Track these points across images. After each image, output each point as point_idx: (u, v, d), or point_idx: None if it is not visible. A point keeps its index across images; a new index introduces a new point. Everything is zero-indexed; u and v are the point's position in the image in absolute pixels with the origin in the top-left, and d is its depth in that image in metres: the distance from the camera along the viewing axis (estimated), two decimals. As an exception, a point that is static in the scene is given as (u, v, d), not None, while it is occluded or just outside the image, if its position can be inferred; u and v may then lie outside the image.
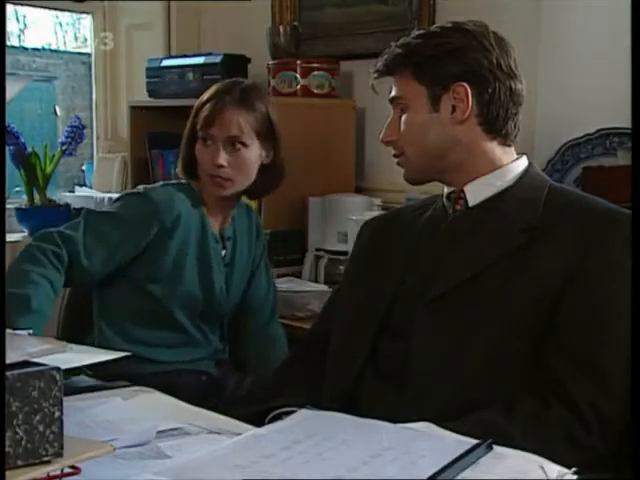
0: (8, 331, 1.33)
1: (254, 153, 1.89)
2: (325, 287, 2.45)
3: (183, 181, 1.97)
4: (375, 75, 1.42)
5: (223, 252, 1.96)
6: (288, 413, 1.31)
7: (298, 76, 2.72)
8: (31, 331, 1.38)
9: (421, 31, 1.41)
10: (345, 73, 2.82)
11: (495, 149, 1.37)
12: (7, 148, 2.76)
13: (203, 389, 1.86)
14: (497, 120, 1.36)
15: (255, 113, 1.87)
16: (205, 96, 1.91)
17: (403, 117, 1.38)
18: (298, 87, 2.73)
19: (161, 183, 2.00)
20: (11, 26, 3.39)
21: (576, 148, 2.30)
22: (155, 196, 1.87)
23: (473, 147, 1.36)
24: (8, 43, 3.39)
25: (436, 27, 1.40)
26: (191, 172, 1.93)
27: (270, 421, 1.33)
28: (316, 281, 2.58)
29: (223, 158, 1.85)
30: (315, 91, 2.74)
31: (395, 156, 1.42)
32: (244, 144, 1.86)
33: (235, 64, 2.85)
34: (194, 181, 1.94)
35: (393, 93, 1.40)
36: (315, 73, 2.73)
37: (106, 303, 1.92)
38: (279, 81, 2.75)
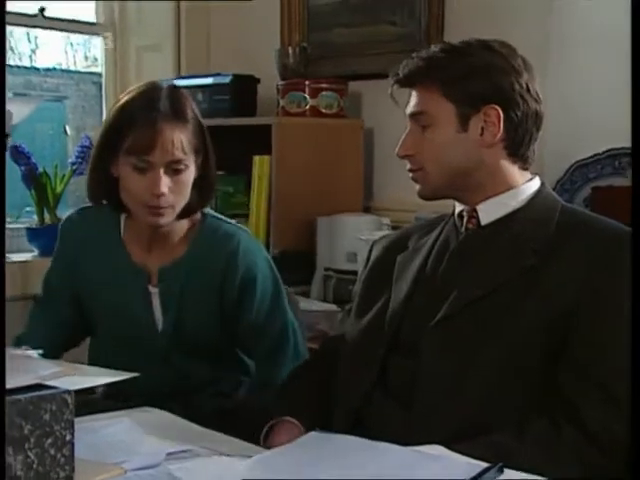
0: (18, 352, 1.34)
1: (192, 172, 1.64)
2: (334, 307, 2.45)
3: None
4: (395, 85, 1.40)
5: (155, 289, 1.71)
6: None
7: (307, 96, 2.74)
8: (41, 351, 1.38)
9: (445, 45, 1.38)
10: (354, 93, 2.83)
11: (514, 171, 1.37)
12: (18, 168, 2.78)
13: None
14: (522, 144, 1.36)
15: (189, 126, 1.61)
16: (125, 112, 1.61)
17: (426, 132, 1.36)
18: (307, 107, 2.74)
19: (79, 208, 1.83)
20: (23, 47, 3.43)
21: (585, 168, 2.30)
22: (61, 226, 1.79)
23: (495, 169, 1.36)
24: (20, 63, 3.42)
25: (461, 43, 1.38)
26: (112, 200, 1.68)
27: (267, 432, 1.34)
28: (325, 300, 2.58)
29: (165, 186, 1.59)
30: (324, 111, 2.75)
31: (411, 171, 1.40)
32: (186, 166, 1.61)
33: (244, 84, 2.86)
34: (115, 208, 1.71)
35: (415, 107, 1.37)
36: (324, 93, 2.74)
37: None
38: (288, 101, 2.76)
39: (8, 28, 3.35)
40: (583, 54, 2.34)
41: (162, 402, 1.57)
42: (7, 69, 3.04)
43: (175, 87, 1.70)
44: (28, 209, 2.96)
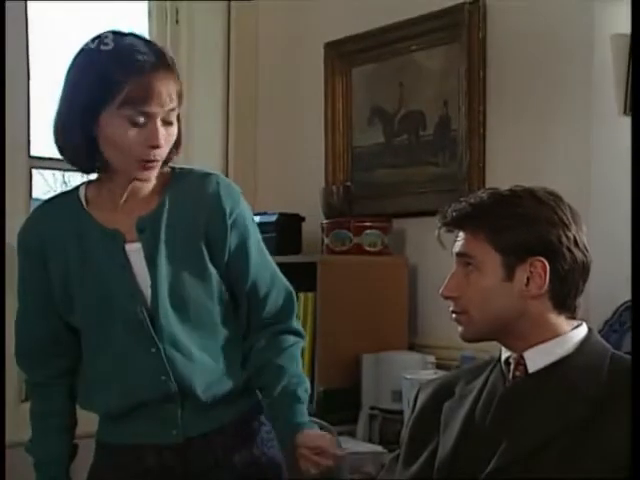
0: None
1: (176, 123, 1.56)
2: (380, 448, 2.40)
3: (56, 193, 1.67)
4: (443, 229, 1.41)
5: (133, 246, 1.55)
6: None
7: (351, 234, 2.78)
8: None
9: (493, 192, 1.39)
10: (397, 230, 2.87)
11: (560, 320, 1.37)
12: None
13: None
14: (568, 297, 1.36)
15: (176, 76, 1.53)
16: (111, 67, 1.48)
17: (471, 277, 1.36)
18: (351, 245, 2.77)
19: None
20: (75, 181, 3.56)
21: (634, 308, 2.28)
22: (17, 241, 1.63)
23: (540, 319, 1.35)
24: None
25: (509, 191, 1.38)
26: (89, 161, 1.56)
27: None
28: (370, 441, 2.53)
29: (163, 138, 1.51)
30: (368, 249, 2.78)
31: (455, 312, 1.39)
32: (176, 117, 1.54)
33: (289, 223, 2.92)
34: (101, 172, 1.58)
35: (461, 249, 1.38)
36: (367, 231, 2.78)
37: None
38: (332, 239, 2.80)
39: (67, 173, 3.50)
40: (624, 191, 2.36)
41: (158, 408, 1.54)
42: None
43: (148, 40, 1.58)
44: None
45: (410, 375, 2.40)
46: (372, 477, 2.24)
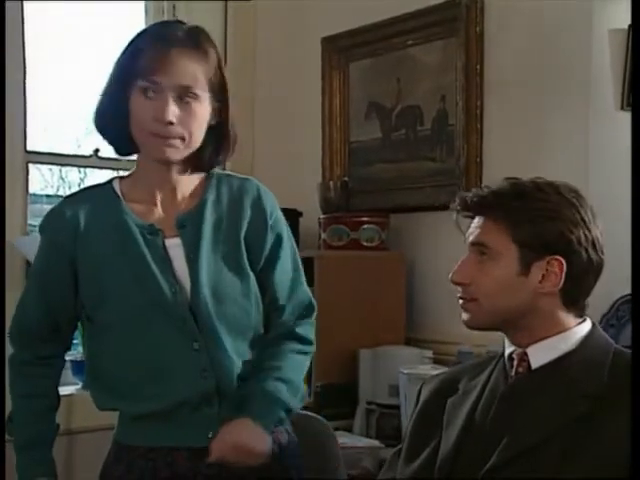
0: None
1: (206, 109, 1.52)
2: (377, 443, 2.40)
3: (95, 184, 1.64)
4: (462, 213, 1.38)
5: (173, 241, 1.53)
6: None
7: (348, 230, 2.78)
8: None
9: (516, 182, 1.35)
10: (394, 226, 2.87)
11: (568, 317, 1.36)
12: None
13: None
14: (580, 296, 1.35)
15: (208, 59, 1.51)
16: (141, 39, 1.51)
17: (485, 266, 1.33)
18: (348, 240, 2.78)
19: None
20: (72, 176, 3.56)
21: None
22: (41, 225, 1.60)
23: (548, 315, 1.34)
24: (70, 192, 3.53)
25: (531, 182, 1.35)
26: (122, 137, 1.54)
27: None
28: (367, 435, 2.53)
29: (173, 114, 1.47)
30: (365, 244, 2.78)
31: (463, 299, 1.37)
32: (196, 96, 1.49)
33: (287, 218, 2.88)
34: (124, 154, 1.58)
35: (478, 237, 1.35)
36: (365, 227, 2.78)
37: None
38: (330, 234, 2.81)
39: (64, 168, 3.50)
40: (623, 188, 2.36)
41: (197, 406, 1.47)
42: (56, 198, 3.15)
43: (199, 27, 1.56)
44: (74, 341, 2.99)
45: (407, 370, 2.40)
46: (369, 472, 2.25)
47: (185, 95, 1.48)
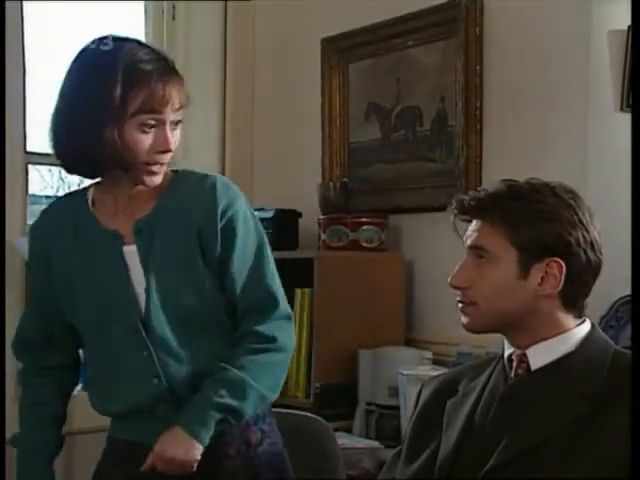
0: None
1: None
2: (376, 443, 2.41)
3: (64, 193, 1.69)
4: (460, 216, 1.38)
5: (131, 248, 1.55)
6: None
7: (348, 230, 2.78)
8: None
9: (512, 184, 1.35)
10: (394, 226, 2.87)
11: (567, 318, 1.36)
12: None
13: None
14: (579, 297, 1.35)
15: (180, 78, 1.54)
16: (130, 71, 1.47)
17: (484, 269, 1.33)
18: (348, 241, 2.77)
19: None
20: (72, 177, 3.55)
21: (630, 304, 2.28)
22: (29, 235, 1.68)
23: (547, 316, 1.35)
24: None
25: (527, 184, 1.35)
26: (101, 168, 1.55)
27: None
28: (367, 436, 2.53)
29: (172, 142, 1.52)
30: (364, 245, 2.78)
31: (462, 302, 1.37)
32: (180, 122, 1.55)
33: (286, 218, 2.92)
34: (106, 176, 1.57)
35: (477, 241, 1.35)
36: (364, 227, 2.78)
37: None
38: (329, 235, 2.80)
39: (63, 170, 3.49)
40: (625, 185, 2.36)
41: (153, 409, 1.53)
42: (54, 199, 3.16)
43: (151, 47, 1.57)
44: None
45: (407, 371, 2.41)
46: (369, 472, 2.25)
47: (176, 119, 1.53)
